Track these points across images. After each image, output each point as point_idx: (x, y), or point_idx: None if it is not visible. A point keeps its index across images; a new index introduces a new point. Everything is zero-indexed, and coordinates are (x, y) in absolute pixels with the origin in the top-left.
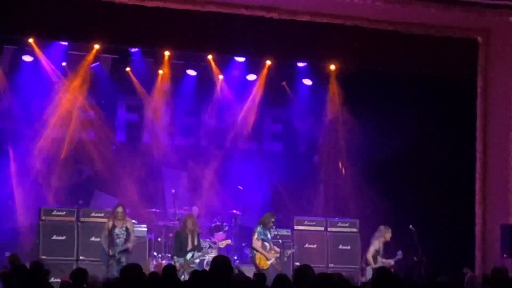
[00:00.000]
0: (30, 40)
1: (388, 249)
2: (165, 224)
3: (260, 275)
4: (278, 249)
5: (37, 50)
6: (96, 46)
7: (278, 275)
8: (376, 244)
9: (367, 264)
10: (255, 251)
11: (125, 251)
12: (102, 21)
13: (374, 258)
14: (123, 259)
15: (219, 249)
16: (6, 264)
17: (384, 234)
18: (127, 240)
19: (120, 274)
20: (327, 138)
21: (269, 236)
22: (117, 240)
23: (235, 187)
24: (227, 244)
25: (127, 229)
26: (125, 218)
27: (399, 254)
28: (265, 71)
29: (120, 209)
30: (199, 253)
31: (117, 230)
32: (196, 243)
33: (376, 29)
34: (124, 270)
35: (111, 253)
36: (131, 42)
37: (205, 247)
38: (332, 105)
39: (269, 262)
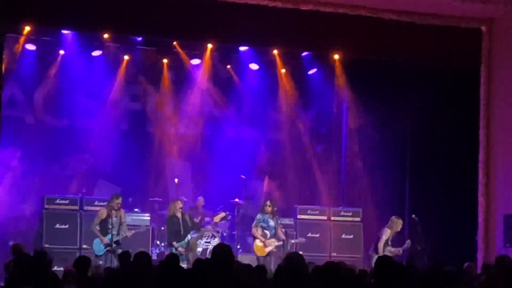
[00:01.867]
0: (31, 29)
1: (395, 238)
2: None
3: (260, 267)
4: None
5: (40, 39)
6: (105, 36)
7: (279, 265)
8: (388, 233)
9: (377, 252)
10: (253, 239)
11: (119, 242)
12: (105, 9)
13: (384, 247)
14: (119, 251)
15: (222, 237)
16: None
17: (395, 225)
18: (119, 230)
19: (124, 261)
20: (330, 127)
21: (271, 223)
22: (112, 230)
23: (238, 176)
24: (229, 232)
25: (120, 219)
26: (119, 209)
27: (408, 243)
28: (268, 60)
29: (119, 200)
30: (198, 232)
31: (113, 220)
32: (190, 224)
33: (380, 18)
34: (130, 257)
35: (105, 242)
36: (134, 31)
37: (208, 236)
38: (336, 94)
39: (266, 250)
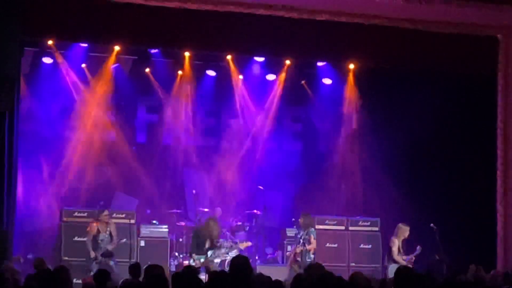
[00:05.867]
0: (50, 42)
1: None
2: (186, 225)
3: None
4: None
5: (57, 52)
6: (116, 48)
7: (298, 274)
8: (397, 243)
9: (396, 262)
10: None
11: (111, 254)
12: (122, 22)
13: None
14: (111, 263)
15: (240, 249)
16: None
17: (403, 232)
18: (109, 244)
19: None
20: (347, 136)
21: (299, 235)
22: (101, 245)
23: (256, 187)
24: (247, 246)
25: (110, 234)
26: (109, 222)
27: (418, 249)
28: (284, 71)
29: (106, 213)
30: (218, 251)
31: (101, 236)
32: (216, 243)
33: (395, 27)
34: (146, 269)
35: (92, 255)
36: (150, 43)
37: (227, 247)
38: (352, 104)
39: None
